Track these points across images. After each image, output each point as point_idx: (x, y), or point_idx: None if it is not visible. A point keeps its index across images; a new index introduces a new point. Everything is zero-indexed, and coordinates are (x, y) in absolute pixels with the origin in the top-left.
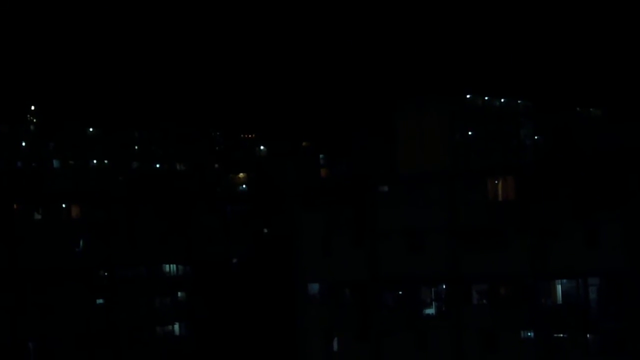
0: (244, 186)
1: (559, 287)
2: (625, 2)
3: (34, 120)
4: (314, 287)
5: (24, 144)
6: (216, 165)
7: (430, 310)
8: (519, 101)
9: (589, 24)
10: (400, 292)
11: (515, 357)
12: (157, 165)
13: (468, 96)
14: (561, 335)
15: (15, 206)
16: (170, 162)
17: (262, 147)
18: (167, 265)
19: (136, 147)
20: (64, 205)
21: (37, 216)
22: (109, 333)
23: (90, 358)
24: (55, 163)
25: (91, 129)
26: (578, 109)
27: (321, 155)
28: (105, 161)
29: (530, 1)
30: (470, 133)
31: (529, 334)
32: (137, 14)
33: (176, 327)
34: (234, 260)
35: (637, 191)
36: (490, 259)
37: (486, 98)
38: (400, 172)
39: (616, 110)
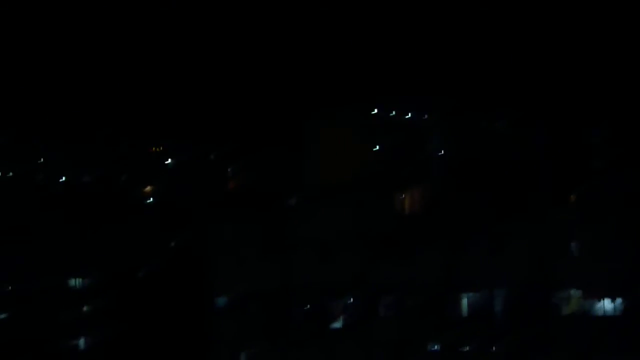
0: (151, 199)
1: (464, 299)
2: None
3: None
4: (224, 299)
5: None
6: (123, 177)
7: (338, 324)
8: (426, 114)
9: (495, 38)
10: (309, 306)
11: None
12: (63, 178)
13: (377, 109)
14: (467, 347)
15: None
16: (76, 173)
17: (169, 160)
18: (73, 278)
19: (41, 160)
20: None
21: None
22: (12, 348)
23: None
24: None
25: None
26: (484, 120)
27: (229, 168)
28: (10, 173)
29: (440, 17)
30: (378, 146)
31: (435, 346)
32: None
33: (81, 341)
34: (142, 273)
35: (541, 202)
36: (398, 271)
37: (394, 112)
38: (310, 183)
39: (521, 122)
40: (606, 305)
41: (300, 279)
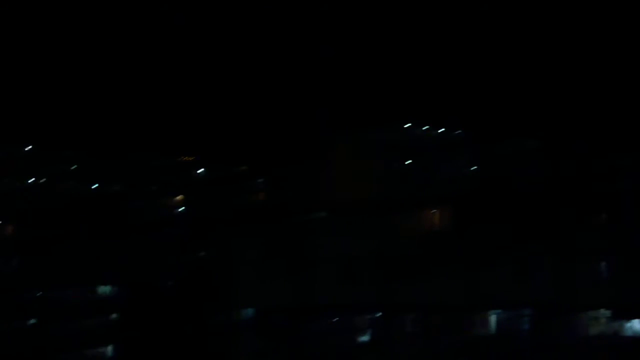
0: (180, 209)
1: (492, 317)
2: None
3: None
4: (247, 313)
5: None
6: (152, 187)
7: (364, 339)
8: (455, 131)
9: (523, 53)
10: (334, 320)
11: None
12: (94, 186)
13: (405, 125)
14: None
15: None
16: (106, 182)
17: (199, 170)
18: (101, 287)
19: (72, 167)
20: None
21: None
22: (41, 354)
23: None
24: None
25: (27, 147)
26: (513, 139)
27: (258, 180)
28: (41, 180)
29: (465, 31)
30: (405, 162)
31: None
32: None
33: (109, 349)
34: (168, 284)
35: (568, 223)
36: (422, 289)
37: (423, 128)
38: (335, 200)
39: (551, 143)
40: (635, 326)
41: (322, 296)
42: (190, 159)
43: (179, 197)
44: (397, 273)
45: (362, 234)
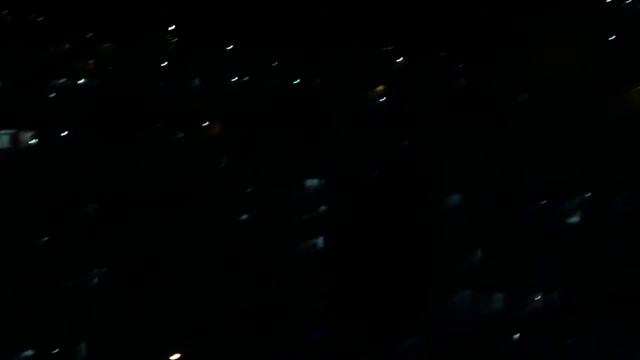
0: (381, 99)
1: None
2: None
3: (173, 40)
4: (454, 199)
5: (164, 64)
6: (353, 80)
7: (574, 219)
8: None
9: None
10: (543, 202)
11: None
12: (296, 82)
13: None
14: None
15: (157, 124)
16: (307, 77)
17: (399, 59)
18: (308, 181)
19: (274, 64)
20: (204, 124)
21: (179, 135)
22: (254, 249)
23: (235, 273)
24: (196, 82)
25: (229, 47)
26: None
27: (459, 66)
28: (245, 78)
29: None
30: (610, 38)
31: None
32: None
33: (319, 240)
34: (373, 174)
35: None
36: (633, 166)
37: (626, 2)
38: (539, 81)
39: None
40: None
41: (528, 179)
42: (389, 48)
43: (380, 88)
44: (606, 152)
45: (568, 114)
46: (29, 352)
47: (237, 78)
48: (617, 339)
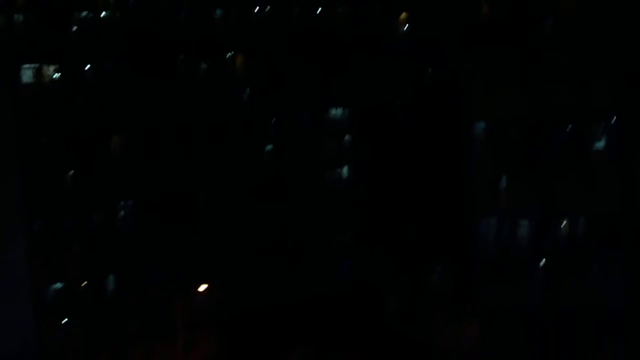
0: (405, 27)
1: None
2: None
3: None
4: (479, 127)
5: None
6: (376, 6)
7: (600, 144)
8: None
9: None
10: (569, 128)
11: None
12: (318, 10)
13: None
14: None
15: (180, 56)
16: (330, 5)
17: None
18: (332, 110)
19: None
20: (228, 55)
21: (203, 66)
22: (279, 179)
23: (261, 204)
24: (218, 12)
25: None
26: None
27: None
28: (267, 7)
29: None
30: None
31: None
32: None
33: (344, 170)
34: (397, 102)
35: None
36: None
37: None
38: (566, 10)
39: None
40: None
41: (555, 106)
42: None
43: (403, 16)
44: (635, 79)
45: (595, 44)
46: (58, 285)
47: (258, 8)
48: None
